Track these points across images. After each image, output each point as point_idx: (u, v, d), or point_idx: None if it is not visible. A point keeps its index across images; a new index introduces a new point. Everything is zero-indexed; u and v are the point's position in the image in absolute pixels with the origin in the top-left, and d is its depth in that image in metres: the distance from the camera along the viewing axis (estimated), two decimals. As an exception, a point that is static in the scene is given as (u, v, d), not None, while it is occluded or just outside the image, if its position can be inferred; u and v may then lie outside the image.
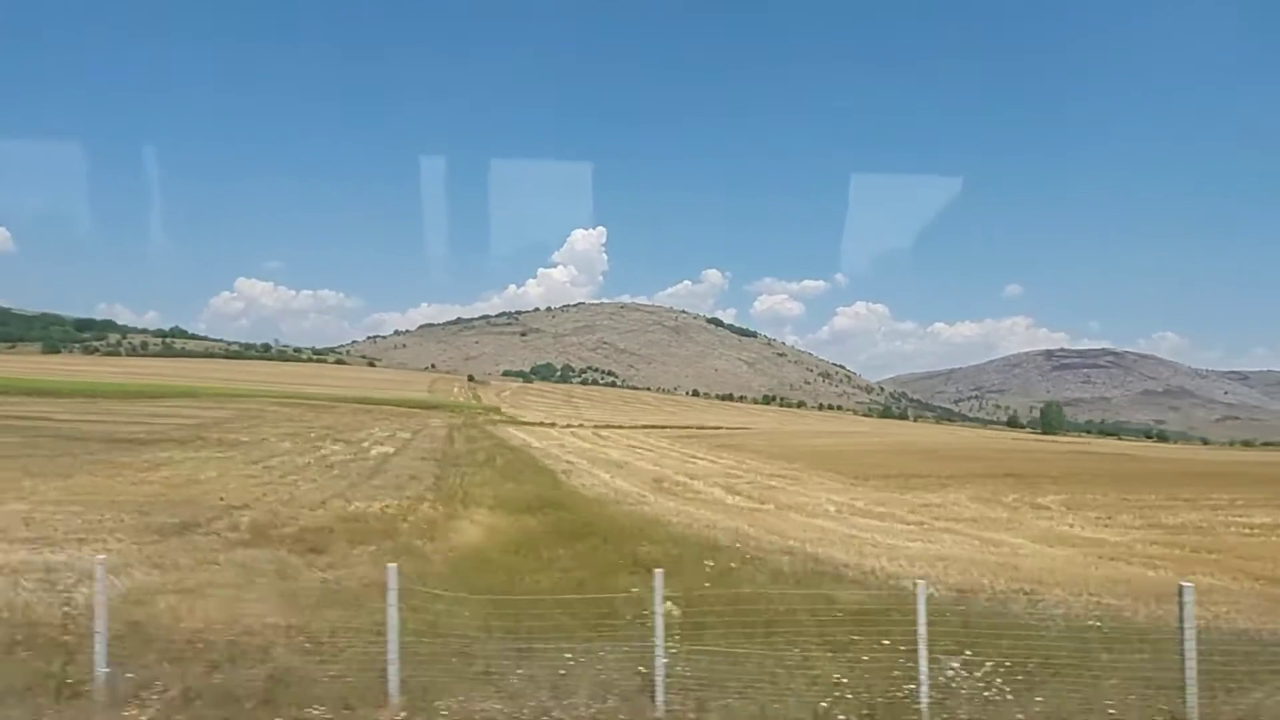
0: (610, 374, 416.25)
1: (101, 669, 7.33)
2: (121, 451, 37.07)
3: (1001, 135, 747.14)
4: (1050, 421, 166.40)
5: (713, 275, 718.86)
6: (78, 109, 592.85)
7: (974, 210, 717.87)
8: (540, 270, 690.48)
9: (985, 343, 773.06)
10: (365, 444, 50.22)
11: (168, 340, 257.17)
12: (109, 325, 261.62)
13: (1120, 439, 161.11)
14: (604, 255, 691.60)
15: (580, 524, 20.62)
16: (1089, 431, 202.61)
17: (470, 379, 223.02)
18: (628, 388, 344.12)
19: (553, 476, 36.33)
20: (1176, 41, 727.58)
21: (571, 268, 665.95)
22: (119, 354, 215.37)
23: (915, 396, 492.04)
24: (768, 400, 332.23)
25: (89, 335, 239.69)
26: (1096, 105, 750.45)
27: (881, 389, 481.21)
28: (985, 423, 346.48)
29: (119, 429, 50.13)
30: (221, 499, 23.49)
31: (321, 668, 7.73)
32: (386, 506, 23.27)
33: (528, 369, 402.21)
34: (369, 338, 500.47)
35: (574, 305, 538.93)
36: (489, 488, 29.16)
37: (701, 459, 55.33)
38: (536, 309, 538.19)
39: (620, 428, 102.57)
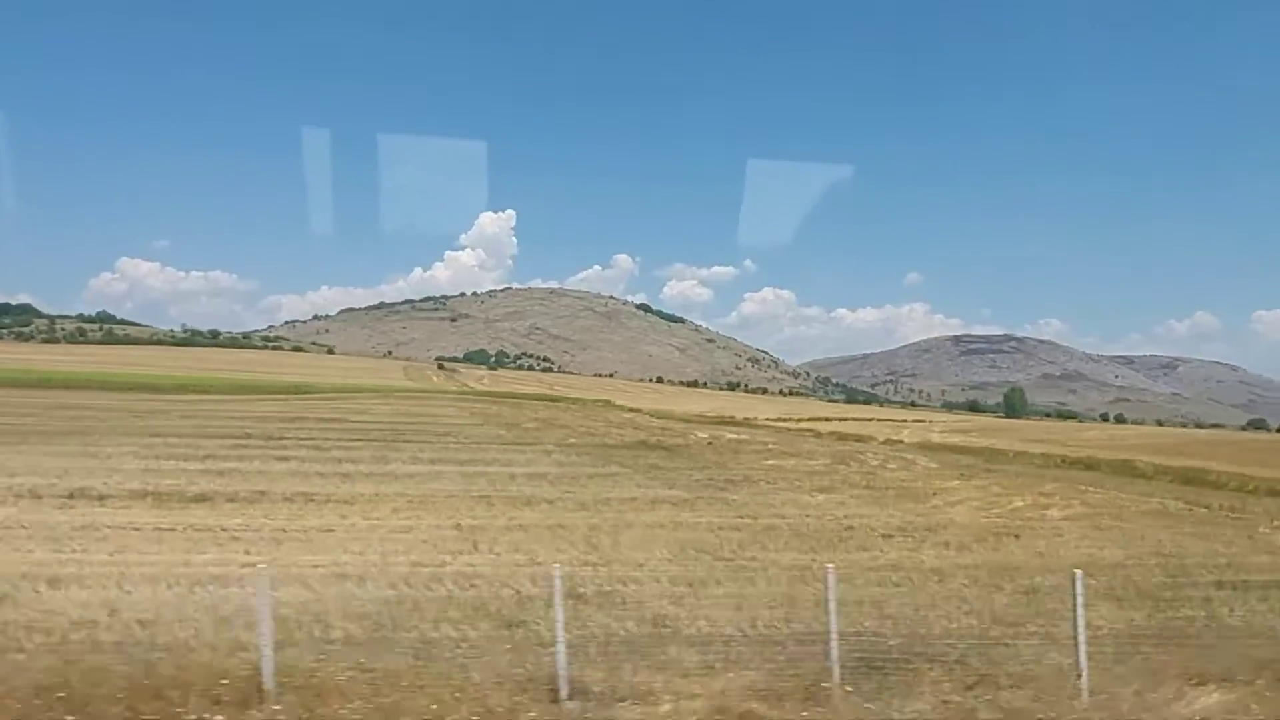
0: (546, 360, 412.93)
1: None
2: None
3: (893, 126, 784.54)
4: (1014, 406, 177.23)
5: (623, 260, 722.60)
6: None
7: (872, 199, 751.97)
8: (448, 253, 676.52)
9: (885, 328, 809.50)
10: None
11: (104, 327, 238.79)
12: (28, 310, 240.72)
13: (1080, 421, 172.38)
14: (513, 239, 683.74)
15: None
16: (1048, 415, 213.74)
17: (440, 365, 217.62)
18: (570, 373, 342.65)
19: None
20: (1057, 36, 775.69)
21: (480, 251, 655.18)
22: (57, 341, 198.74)
23: (837, 381, 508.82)
24: (732, 387, 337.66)
25: (9, 321, 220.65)
26: (980, 98, 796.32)
27: (807, 374, 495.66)
28: (910, 404, 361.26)
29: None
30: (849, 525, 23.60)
31: None
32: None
33: (460, 355, 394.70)
34: (287, 323, 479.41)
35: (501, 290, 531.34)
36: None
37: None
38: (463, 294, 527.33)
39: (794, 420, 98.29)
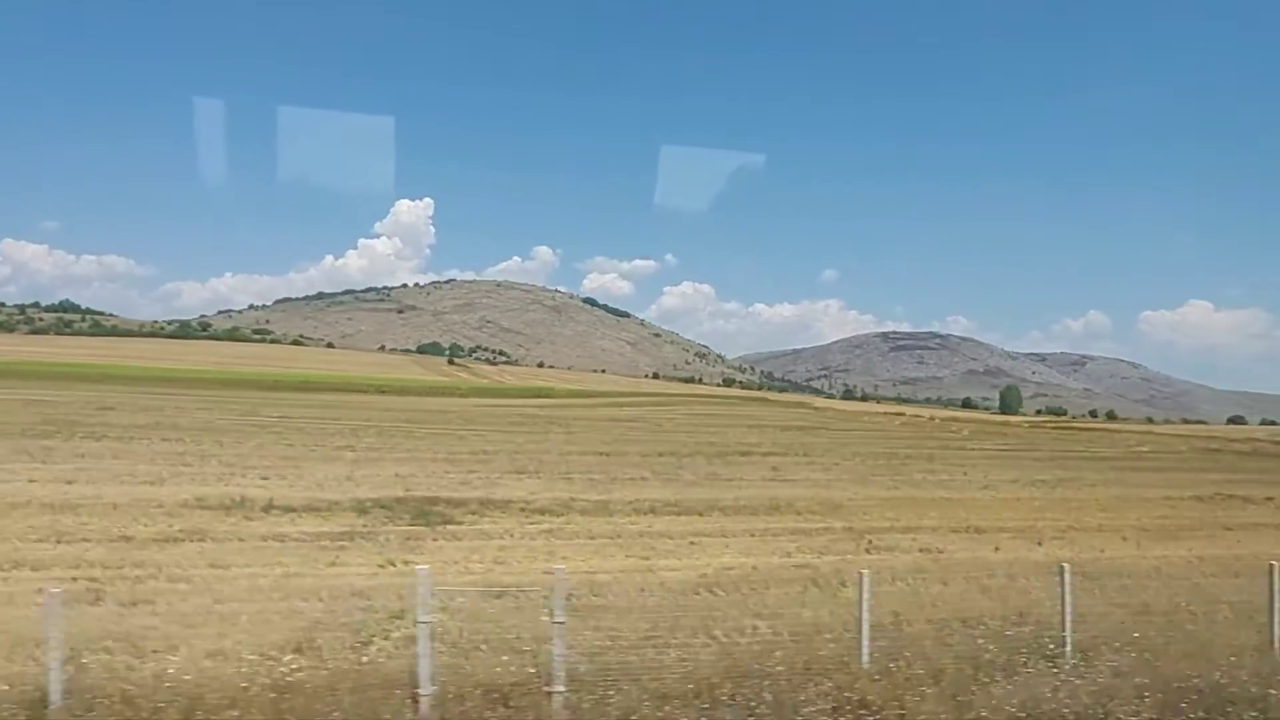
0: (502, 354, 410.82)
1: None
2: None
3: (806, 120, 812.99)
4: (1009, 403, 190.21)
5: (544, 252, 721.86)
6: None
7: (786, 194, 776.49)
8: (362, 241, 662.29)
9: (802, 324, 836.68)
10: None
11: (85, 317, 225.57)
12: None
13: (1071, 417, 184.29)
14: (431, 228, 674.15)
15: None
16: (1039, 412, 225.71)
17: (451, 361, 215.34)
18: (556, 368, 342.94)
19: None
20: (962, 39, 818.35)
21: (397, 240, 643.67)
22: (46, 333, 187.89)
23: (779, 376, 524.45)
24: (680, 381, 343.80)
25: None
26: (887, 98, 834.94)
27: (752, 368, 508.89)
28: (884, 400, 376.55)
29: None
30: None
31: None
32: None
33: (413, 347, 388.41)
34: (221, 311, 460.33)
35: (445, 282, 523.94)
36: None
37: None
38: (405, 285, 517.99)
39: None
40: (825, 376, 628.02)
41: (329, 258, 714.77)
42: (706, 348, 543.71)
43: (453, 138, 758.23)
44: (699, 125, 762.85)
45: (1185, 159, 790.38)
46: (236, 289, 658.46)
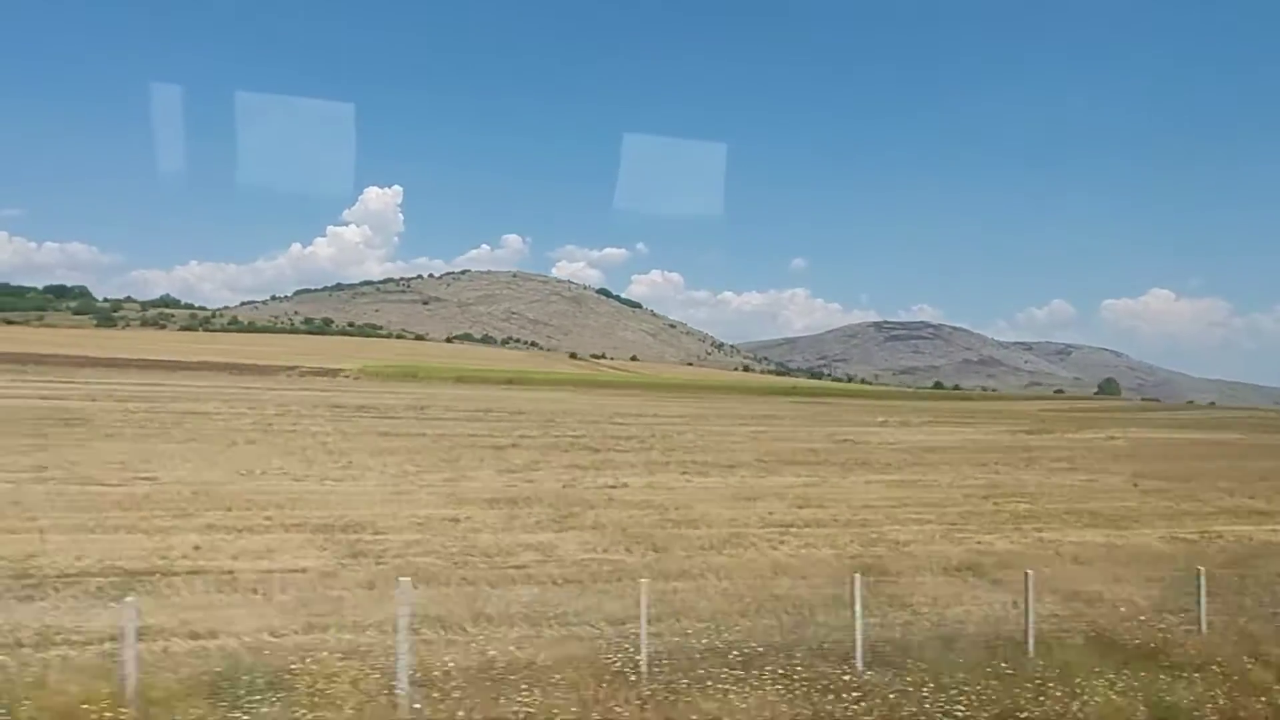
0: (534, 344, 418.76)
1: None
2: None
3: (775, 109, 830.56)
4: (1110, 392, 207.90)
5: (513, 240, 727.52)
6: None
7: (754, 182, 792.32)
8: (330, 229, 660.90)
9: (770, 313, 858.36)
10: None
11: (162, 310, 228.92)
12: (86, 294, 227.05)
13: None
14: (400, 216, 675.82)
15: None
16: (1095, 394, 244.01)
17: (572, 355, 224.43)
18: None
19: None
20: (932, 26, 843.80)
21: (365, 227, 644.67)
22: (159, 326, 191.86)
23: (792, 365, 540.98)
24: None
25: (74, 304, 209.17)
26: (849, 86, 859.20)
27: (767, 359, 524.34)
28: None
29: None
30: None
31: None
32: None
33: (443, 338, 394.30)
34: (245, 303, 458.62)
35: (460, 273, 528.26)
36: None
37: None
38: (420, 276, 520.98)
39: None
40: (824, 366, 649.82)
41: (296, 245, 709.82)
42: (711, 336, 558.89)
43: (415, 126, 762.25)
44: (661, 113, 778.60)
45: (1149, 149, 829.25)
46: (203, 277, 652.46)
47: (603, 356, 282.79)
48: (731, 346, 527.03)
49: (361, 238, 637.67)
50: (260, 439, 38.57)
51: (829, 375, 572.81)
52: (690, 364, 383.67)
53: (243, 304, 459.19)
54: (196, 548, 16.42)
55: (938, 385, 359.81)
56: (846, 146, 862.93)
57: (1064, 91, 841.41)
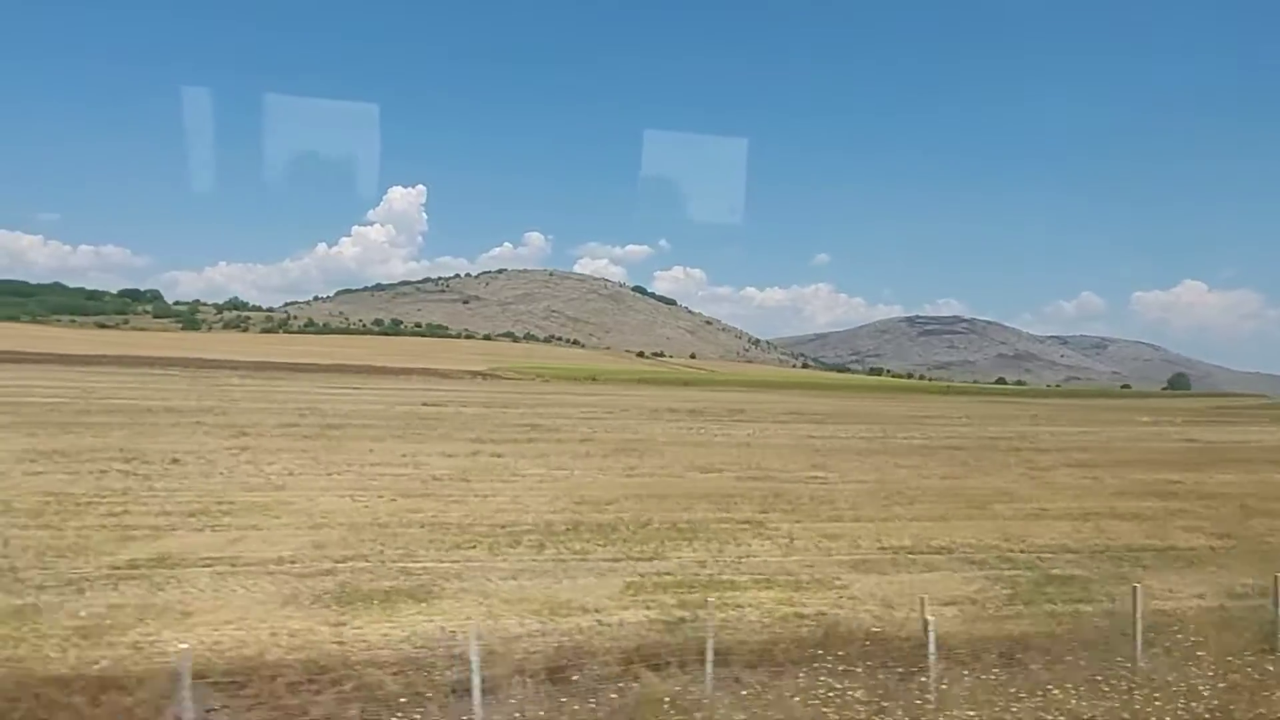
0: (576, 342, 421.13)
1: None
2: None
3: (800, 101, 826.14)
4: (1180, 387, 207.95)
5: (535, 238, 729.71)
6: None
7: (778, 177, 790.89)
8: (355, 229, 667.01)
9: (792, 307, 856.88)
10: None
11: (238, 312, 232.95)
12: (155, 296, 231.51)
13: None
14: (423, 215, 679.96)
15: None
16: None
17: (640, 354, 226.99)
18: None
19: None
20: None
21: (390, 227, 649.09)
22: (239, 328, 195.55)
23: (825, 361, 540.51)
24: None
25: (148, 307, 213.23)
26: (872, 78, 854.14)
27: (803, 355, 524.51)
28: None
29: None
30: None
31: None
32: None
33: (483, 335, 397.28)
34: (289, 303, 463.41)
35: (495, 271, 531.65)
36: None
37: None
38: (456, 275, 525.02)
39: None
40: (857, 361, 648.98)
41: (322, 245, 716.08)
42: (743, 332, 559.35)
43: (438, 126, 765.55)
44: (682, 109, 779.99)
45: (1180, 140, 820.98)
46: (232, 278, 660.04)
47: (662, 355, 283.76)
48: (767, 342, 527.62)
49: (386, 237, 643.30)
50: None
51: (864, 370, 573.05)
52: (740, 360, 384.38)
53: (286, 304, 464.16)
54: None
55: (999, 380, 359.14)
56: (869, 141, 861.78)
57: (1090, 86, 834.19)
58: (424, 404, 62.02)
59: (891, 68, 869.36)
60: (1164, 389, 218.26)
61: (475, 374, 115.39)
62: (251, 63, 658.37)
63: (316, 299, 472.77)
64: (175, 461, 26.99)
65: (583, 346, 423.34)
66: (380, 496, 22.28)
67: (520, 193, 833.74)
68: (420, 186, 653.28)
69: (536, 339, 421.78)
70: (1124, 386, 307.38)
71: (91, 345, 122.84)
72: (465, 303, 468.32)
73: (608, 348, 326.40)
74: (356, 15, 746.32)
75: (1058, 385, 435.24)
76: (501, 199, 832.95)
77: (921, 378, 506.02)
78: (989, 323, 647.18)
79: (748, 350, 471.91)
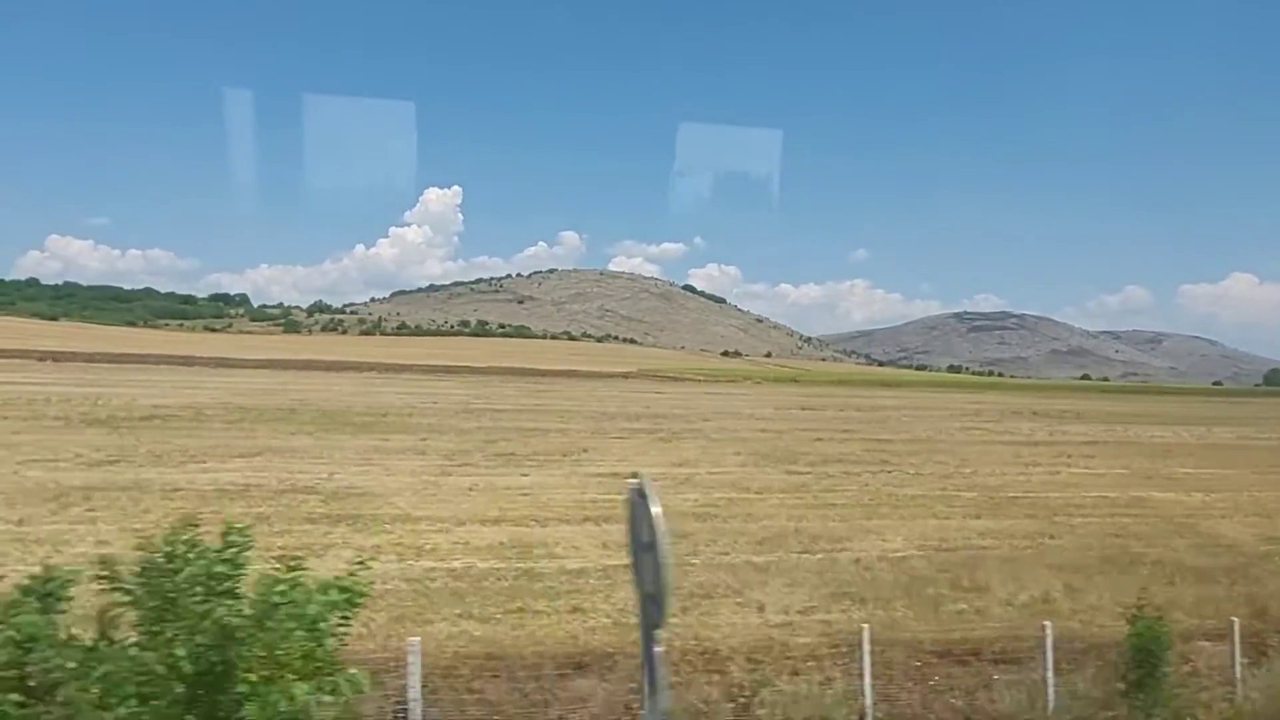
0: (632, 341, 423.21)
1: None
2: None
3: (833, 95, 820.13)
4: (1276, 383, 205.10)
5: (570, 238, 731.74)
6: None
7: (812, 174, 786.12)
8: (393, 230, 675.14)
9: (828, 303, 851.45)
10: None
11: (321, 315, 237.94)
12: (224, 299, 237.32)
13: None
14: (459, 216, 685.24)
15: None
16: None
17: (724, 353, 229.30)
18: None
19: None
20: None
21: (426, 228, 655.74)
22: (337, 330, 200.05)
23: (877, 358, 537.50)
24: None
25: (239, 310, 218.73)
26: (916, 70, 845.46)
27: (854, 352, 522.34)
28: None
29: None
30: None
31: None
32: None
33: (542, 335, 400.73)
34: (346, 305, 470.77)
35: (546, 271, 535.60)
36: None
37: None
38: (509, 275, 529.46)
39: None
40: (905, 357, 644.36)
41: (360, 247, 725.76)
42: (794, 330, 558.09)
43: (472, 126, 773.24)
44: (716, 106, 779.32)
45: (1226, 131, 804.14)
46: (273, 279, 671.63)
47: (737, 353, 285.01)
48: (819, 340, 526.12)
49: (423, 238, 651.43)
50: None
51: (911, 367, 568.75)
52: (798, 357, 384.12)
53: (345, 306, 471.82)
54: None
55: (1090, 377, 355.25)
56: (905, 137, 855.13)
57: (1129, 80, 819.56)
58: (786, 407, 61.09)
59: (929, 64, 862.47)
60: (1258, 385, 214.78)
61: (653, 375, 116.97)
62: (290, 68, 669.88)
63: (374, 299, 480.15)
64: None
65: (638, 344, 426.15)
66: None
67: (554, 192, 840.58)
68: (456, 188, 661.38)
69: (592, 338, 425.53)
70: (1215, 383, 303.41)
71: (293, 350, 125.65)
72: (520, 302, 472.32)
73: (682, 346, 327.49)
74: (390, 19, 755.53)
75: (1119, 381, 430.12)
76: (536, 199, 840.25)
77: (974, 373, 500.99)
78: (1039, 318, 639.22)
79: (801, 348, 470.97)
